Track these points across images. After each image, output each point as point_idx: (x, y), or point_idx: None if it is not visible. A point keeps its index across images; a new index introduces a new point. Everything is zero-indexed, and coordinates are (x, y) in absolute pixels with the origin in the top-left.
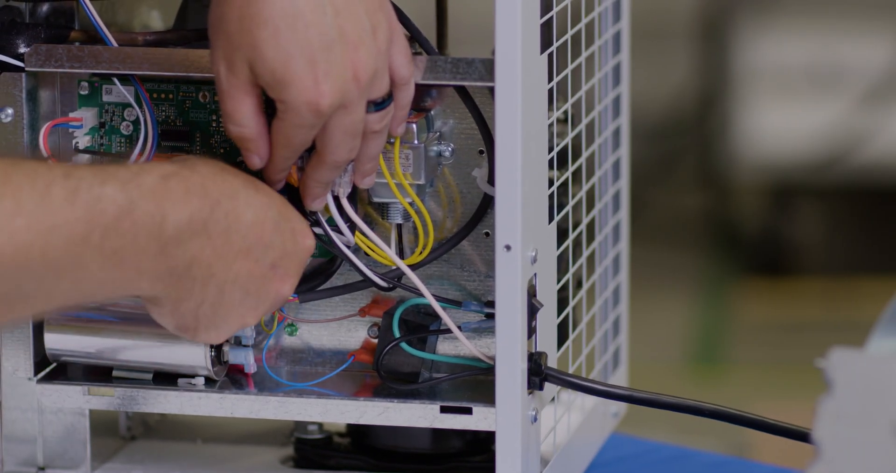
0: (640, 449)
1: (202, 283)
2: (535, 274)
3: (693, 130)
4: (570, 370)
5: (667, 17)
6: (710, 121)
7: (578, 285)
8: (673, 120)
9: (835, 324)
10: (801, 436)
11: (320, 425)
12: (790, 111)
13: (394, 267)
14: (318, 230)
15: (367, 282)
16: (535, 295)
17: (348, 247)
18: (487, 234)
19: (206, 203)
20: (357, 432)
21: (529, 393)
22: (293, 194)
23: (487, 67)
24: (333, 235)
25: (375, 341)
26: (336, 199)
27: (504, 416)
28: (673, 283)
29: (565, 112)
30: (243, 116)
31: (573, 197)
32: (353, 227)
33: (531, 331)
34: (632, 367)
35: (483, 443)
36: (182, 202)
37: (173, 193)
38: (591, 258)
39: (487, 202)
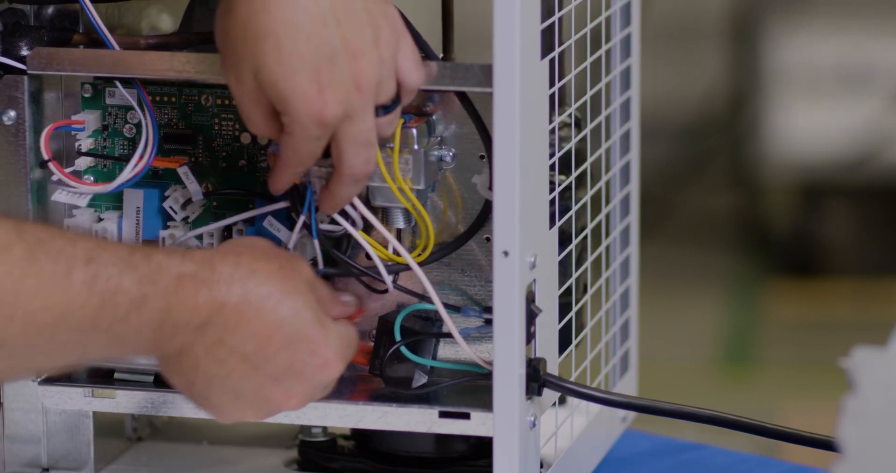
0: (659, 446)
1: (189, 369)
2: (535, 280)
3: (723, 131)
4: (577, 374)
5: (697, 17)
6: (740, 121)
7: (586, 289)
8: (703, 120)
9: (865, 324)
10: (804, 440)
11: (324, 428)
12: (820, 111)
13: (390, 263)
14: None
15: (367, 281)
16: (534, 301)
17: (345, 251)
18: (488, 239)
19: (209, 306)
20: (361, 435)
21: (528, 399)
22: (296, 194)
23: (486, 73)
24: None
25: (371, 344)
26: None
27: (501, 421)
28: (703, 283)
29: (576, 116)
30: (258, 121)
31: (581, 201)
32: (348, 240)
33: (530, 337)
34: (661, 367)
35: (486, 447)
36: (188, 303)
37: (184, 293)
38: (602, 263)
39: (489, 208)
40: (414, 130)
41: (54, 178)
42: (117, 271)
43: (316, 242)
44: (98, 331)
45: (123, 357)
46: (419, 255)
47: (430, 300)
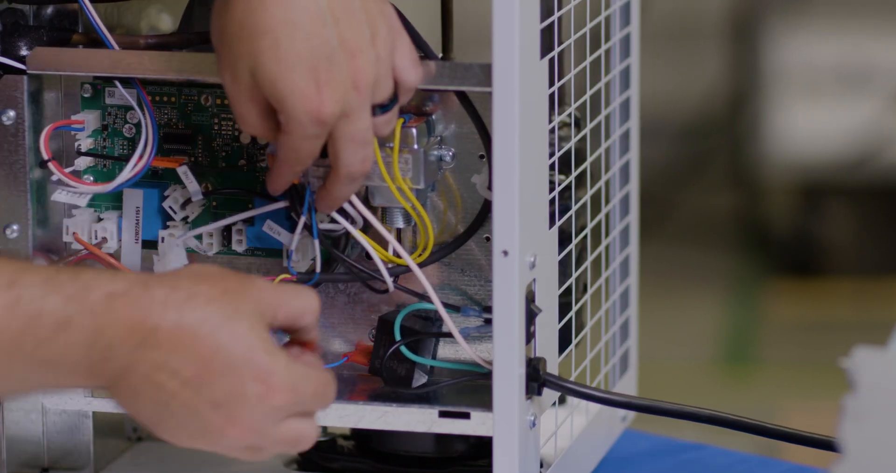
0: (659, 446)
1: (132, 396)
2: (535, 279)
3: (723, 131)
4: (576, 374)
5: (697, 17)
6: (740, 121)
7: (586, 289)
8: (703, 120)
9: (865, 324)
10: (804, 440)
11: (324, 427)
12: (820, 111)
13: (390, 266)
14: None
15: (365, 281)
16: (533, 300)
17: (343, 250)
18: (488, 239)
19: (142, 328)
20: (361, 435)
21: (528, 398)
22: (295, 194)
23: (485, 72)
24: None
25: (371, 343)
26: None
27: (501, 421)
28: (703, 283)
29: (575, 116)
30: (253, 119)
31: (581, 201)
32: (347, 239)
33: (530, 336)
34: (661, 367)
35: (486, 447)
36: (120, 323)
37: (115, 312)
38: (601, 263)
39: (488, 207)
40: (413, 130)
41: (54, 178)
42: (40, 293)
43: (316, 242)
44: (23, 355)
45: (64, 387)
46: (419, 255)
47: (429, 300)
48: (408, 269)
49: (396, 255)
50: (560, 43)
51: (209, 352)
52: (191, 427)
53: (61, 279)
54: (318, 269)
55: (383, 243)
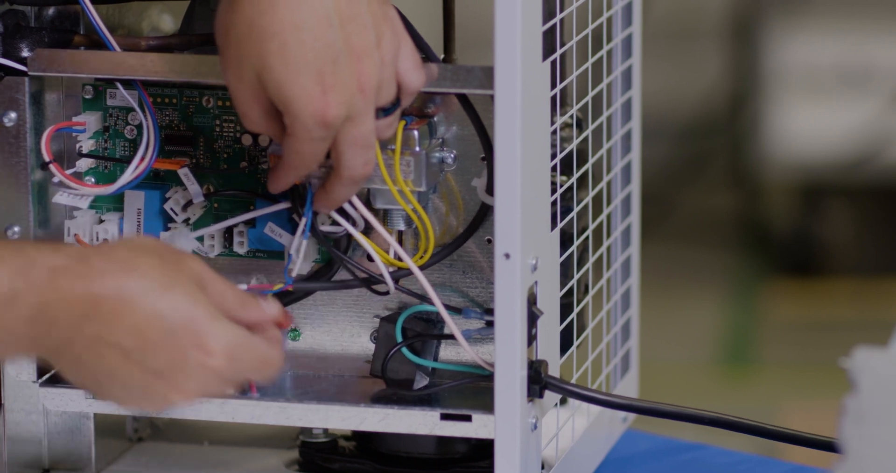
0: (659, 446)
1: (73, 364)
2: (536, 282)
3: (723, 131)
4: (578, 375)
5: (697, 17)
6: (740, 121)
7: (587, 290)
8: (703, 120)
9: (865, 324)
10: (806, 442)
11: (325, 429)
12: (820, 111)
13: (392, 269)
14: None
15: (364, 283)
16: (535, 303)
17: (345, 252)
18: (489, 241)
19: (84, 300)
20: (362, 436)
21: (529, 401)
22: (296, 195)
23: (487, 75)
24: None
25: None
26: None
27: (503, 424)
28: (703, 283)
29: (577, 117)
30: (256, 117)
31: (583, 202)
32: (348, 240)
33: (531, 339)
34: (661, 367)
35: (487, 448)
36: (62, 298)
37: (57, 287)
38: (603, 263)
39: (486, 210)
40: (415, 132)
41: (55, 179)
42: None
43: (305, 241)
44: None
45: (4, 357)
46: (420, 258)
47: (431, 302)
48: (409, 272)
49: (398, 257)
50: (562, 45)
51: (148, 322)
52: (135, 393)
53: (6, 255)
54: (323, 267)
55: (385, 246)
